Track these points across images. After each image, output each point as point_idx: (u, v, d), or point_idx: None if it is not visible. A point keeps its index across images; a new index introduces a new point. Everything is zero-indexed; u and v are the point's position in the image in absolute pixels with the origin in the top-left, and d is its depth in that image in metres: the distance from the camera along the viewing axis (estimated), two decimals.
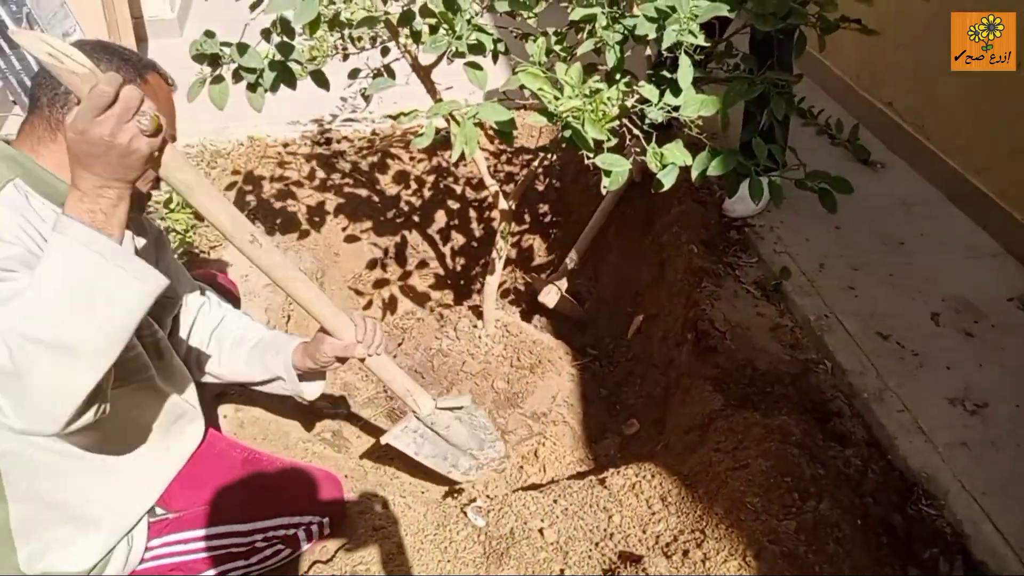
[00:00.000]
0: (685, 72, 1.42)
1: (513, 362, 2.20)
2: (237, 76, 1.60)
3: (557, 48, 1.67)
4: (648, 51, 1.85)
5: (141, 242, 1.34)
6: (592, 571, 1.40)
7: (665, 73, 1.49)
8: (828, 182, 1.51)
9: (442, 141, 2.58)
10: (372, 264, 2.83)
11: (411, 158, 2.92)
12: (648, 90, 1.47)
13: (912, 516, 1.55)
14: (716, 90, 1.58)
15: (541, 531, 1.48)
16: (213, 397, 1.84)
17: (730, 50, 1.81)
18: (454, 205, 2.92)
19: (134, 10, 3.88)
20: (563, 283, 2.59)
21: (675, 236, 2.42)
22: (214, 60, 1.58)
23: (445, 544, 1.46)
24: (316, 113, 3.07)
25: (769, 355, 2.00)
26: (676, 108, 1.45)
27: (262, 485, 1.44)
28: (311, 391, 1.53)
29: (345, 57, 1.99)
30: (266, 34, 1.66)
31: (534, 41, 1.55)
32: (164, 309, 1.40)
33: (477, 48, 1.52)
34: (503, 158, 2.94)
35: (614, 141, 1.49)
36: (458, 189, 2.92)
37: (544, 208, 2.97)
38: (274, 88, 1.60)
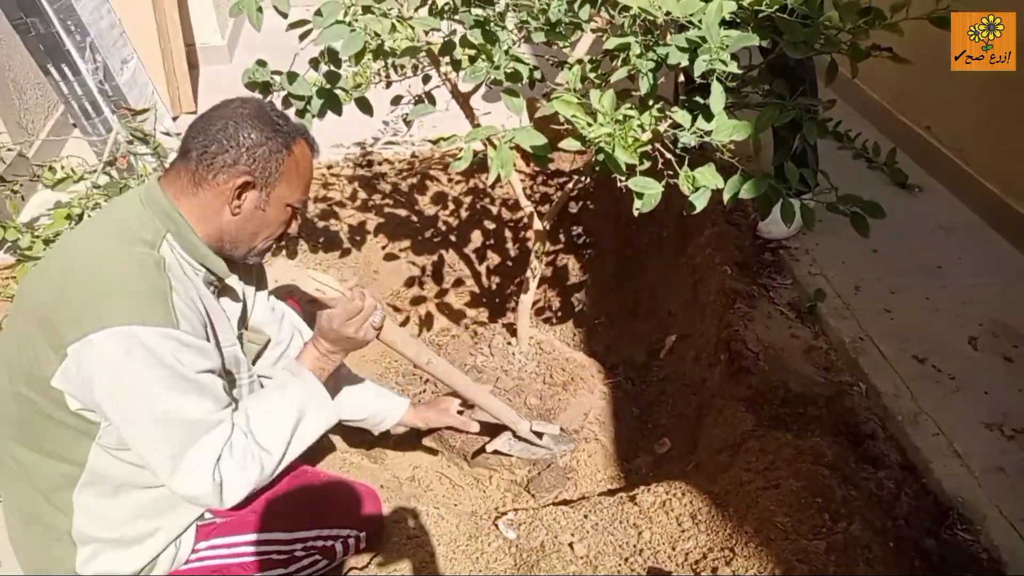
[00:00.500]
0: (717, 98, 1.45)
1: (546, 379, 2.23)
2: (286, 103, 1.68)
3: (592, 75, 1.72)
4: (681, 77, 1.89)
5: (249, 287, 1.50)
6: None
7: (698, 99, 1.53)
8: (860, 206, 1.53)
9: (479, 164, 2.65)
10: (410, 282, 2.90)
11: (449, 180, 2.99)
12: (681, 115, 1.50)
13: (946, 540, 1.54)
14: (748, 115, 1.61)
15: (571, 545, 1.51)
16: None
17: (764, 76, 1.84)
18: (490, 225, 2.98)
19: (187, 38, 4.05)
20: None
21: (709, 257, 2.44)
22: (265, 87, 1.67)
23: (476, 555, 1.50)
24: (359, 136, 3.18)
25: (803, 377, 2.00)
26: (708, 133, 1.49)
27: (305, 497, 1.49)
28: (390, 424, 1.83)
29: (388, 84, 2.07)
30: (314, 63, 1.74)
31: (569, 69, 1.60)
32: (259, 346, 1.53)
33: (514, 76, 1.58)
34: (538, 180, 3.00)
35: (647, 164, 1.53)
36: (494, 210, 2.98)
37: (578, 229, 3.01)
38: (321, 114, 1.68)
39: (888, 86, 3.20)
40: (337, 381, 1.61)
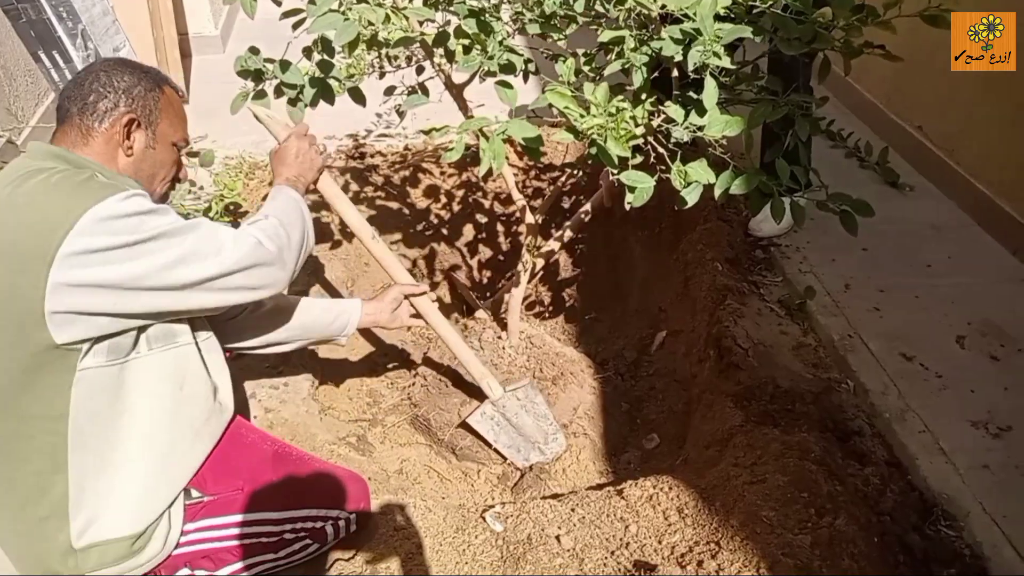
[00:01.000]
0: (711, 93, 1.45)
1: (536, 373, 2.23)
2: (279, 91, 1.68)
3: (586, 68, 1.72)
4: (674, 72, 1.89)
5: None
6: None
7: (691, 94, 1.53)
8: (849, 204, 1.54)
9: (472, 157, 2.65)
10: None
11: (442, 173, 2.99)
12: (674, 110, 1.51)
13: (930, 536, 1.55)
14: (741, 111, 1.62)
15: (558, 538, 1.51)
16: (246, 398, 1.91)
17: (756, 72, 1.85)
18: (482, 219, 2.98)
19: (180, 27, 4.03)
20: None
21: (700, 253, 2.45)
22: (258, 76, 1.66)
23: (463, 547, 1.50)
24: (351, 128, 3.17)
25: (791, 373, 2.01)
26: (701, 128, 1.49)
27: (293, 476, 1.48)
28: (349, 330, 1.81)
29: (381, 75, 2.06)
30: (307, 52, 1.74)
31: (563, 62, 1.60)
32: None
33: (508, 68, 1.58)
34: (531, 174, 3.00)
35: (639, 159, 1.53)
36: (486, 203, 2.98)
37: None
38: (314, 103, 1.68)
39: (881, 85, 3.21)
40: (289, 309, 1.70)
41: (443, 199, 2.97)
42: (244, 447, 1.47)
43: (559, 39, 1.74)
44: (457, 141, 1.44)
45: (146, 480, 1.31)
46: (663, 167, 1.54)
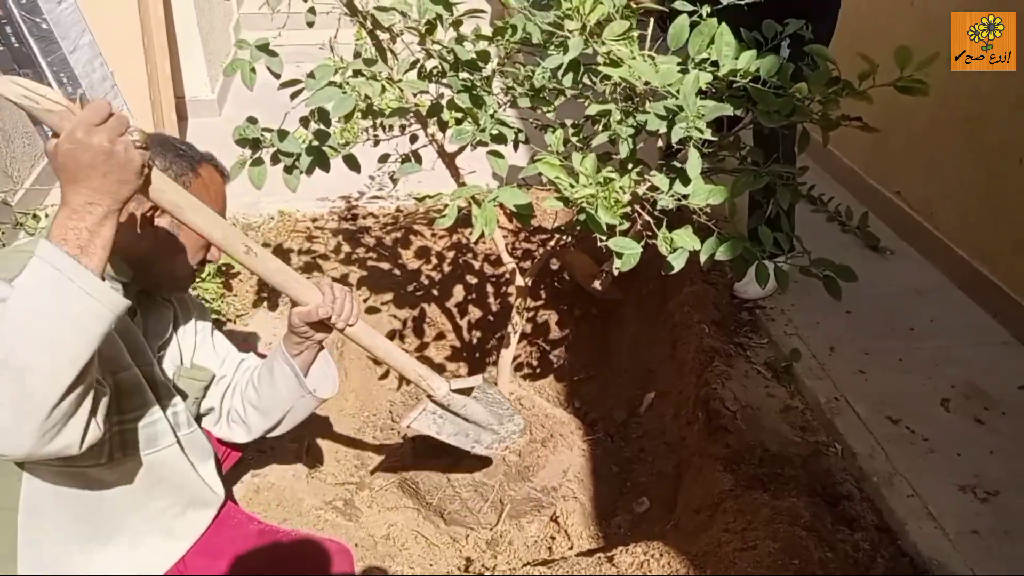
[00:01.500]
0: (694, 164, 1.51)
1: (525, 435, 2.23)
2: (275, 159, 1.72)
3: (574, 139, 1.78)
4: (660, 142, 1.96)
5: (185, 317, 1.45)
6: None
7: (675, 163, 1.58)
8: (832, 270, 1.58)
9: (463, 219, 2.70)
10: (391, 335, 2.90)
11: (433, 234, 3.03)
12: (659, 179, 1.56)
13: None
14: (724, 179, 1.67)
15: None
16: (232, 468, 1.89)
17: (737, 144, 1.92)
18: (472, 280, 3.01)
19: (177, 90, 4.12)
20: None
21: (687, 316, 2.48)
22: (255, 144, 1.71)
23: None
24: (344, 190, 3.22)
25: (779, 436, 2.02)
26: (685, 196, 1.54)
27: (276, 558, 1.46)
28: (324, 389, 1.53)
29: (376, 142, 2.12)
30: (304, 122, 1.79)
31: (552, 132, 1.66)
32: (199, 382, 1.47)
33: (499, 138, 1.63)
34: (521, 236, 3.05)
35: (626, 226, 1.57)
36: (476, 265, 3.02)
37: (559, 286, 3.04)
38: (309, 171, 1.72)
39: (859, 152, 3.32)
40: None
41: (434, 260, 3.00)
42: (228, 528, 1.44)
43: (548, 111, 1.80)
44: (450, 208, 1.48)
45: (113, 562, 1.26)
46: (649, 233, 1.58)
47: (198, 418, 1.50)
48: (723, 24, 1.49)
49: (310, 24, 1.70)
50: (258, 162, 1.67)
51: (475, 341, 2.97)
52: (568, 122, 1.81)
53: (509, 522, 2.04)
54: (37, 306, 0.90)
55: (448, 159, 1.97)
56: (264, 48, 1.61)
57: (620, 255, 1.51)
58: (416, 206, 3.10)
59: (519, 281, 2.16)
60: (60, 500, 1.19)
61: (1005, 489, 1.83)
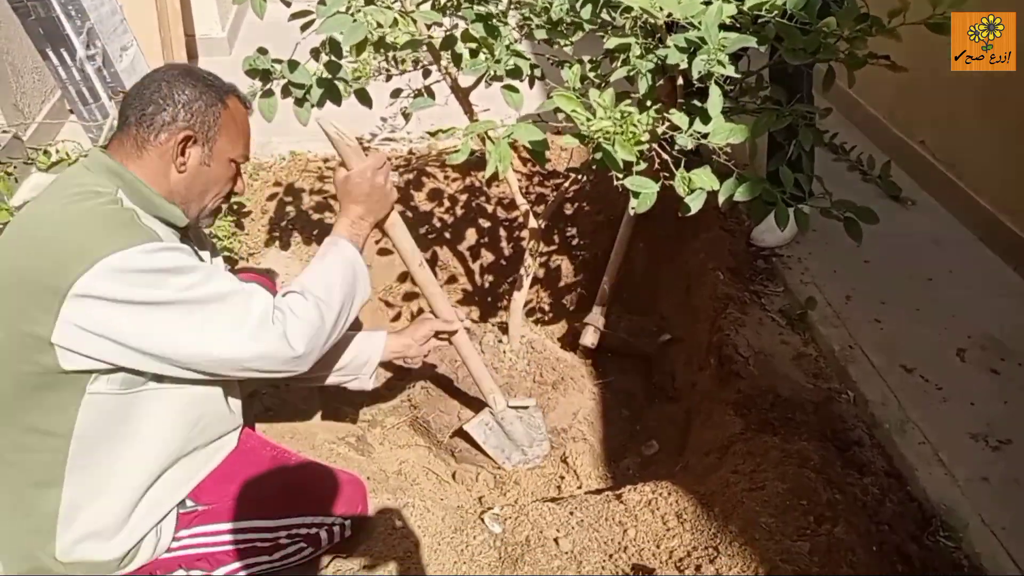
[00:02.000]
0: (715, 101, 1.46)
1: (536, 378, 2.24)
2: (286, 91, 1.69)
3: (591, 75, 1.73)
4: (680, 80, 1.90)
5: (204, 253, 1.45)
6: None
7: (696, 102, 1.54)
8: (853, 211, 1.54)
9: (476, 161, 2.66)
10: (403, 277, 2.90)
11: (445, 177, 3.00)
12: (679, 117, 1.52)
13: (929, 547, 1.55)
14: (745, 120, 1.62)
15: (556, 540, 1.51)
16: (247, 396, 1.91)
17: (761, 83, 1.86)
18: (485, 224, 2.99)
19: (187, 28, 4.06)
20: (599, 319, 2.52)
21: (702, 262, 2.46)
22: (265, 75, 1.67)
23: (461, 547, 1.50)
24: (357, 132, 3.17)
25: (791, 382, 2.01)
26: (705, 135, 1.50)
27: (289, 483, 1.49)
28: (373, 382, 1.72)
29: (388, 78, 2.07)
30: (315, 53, 1.75)
31: (569, 68, 1.61)
32: None
33: (514, 72, 1.59)
34: (535, 180, 3.01)
35: (644, 165, 1.54)
36: (490, 208, 2.99)
37: (572, 230, 3.02)
38: (320, 104, 1.69)
39: (884, 100, 3.23)
40: None
41: (447, 203, 2.98)
42: (241, 453, 1.47)
43: (565, 45, 1.75)
44: (463, 143, 1.45)
45: (143, 505, 1.30)
46: (667, 174, 1.55)
47: None
48: None
49: None
50: (268, 94, 1.65)
51: (487, 285, 2.96)
52: (586, 58, 1.76)
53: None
54: (346, 274, 1.36)
55: (462, 95, 1.93)
56: None
57: (637, 195, 1.48)
58: (429, 148, 3.06)
59: (532, 224, 2.14)
60: (111, 431, 1.22)
61: (1017, 438, 1.82)
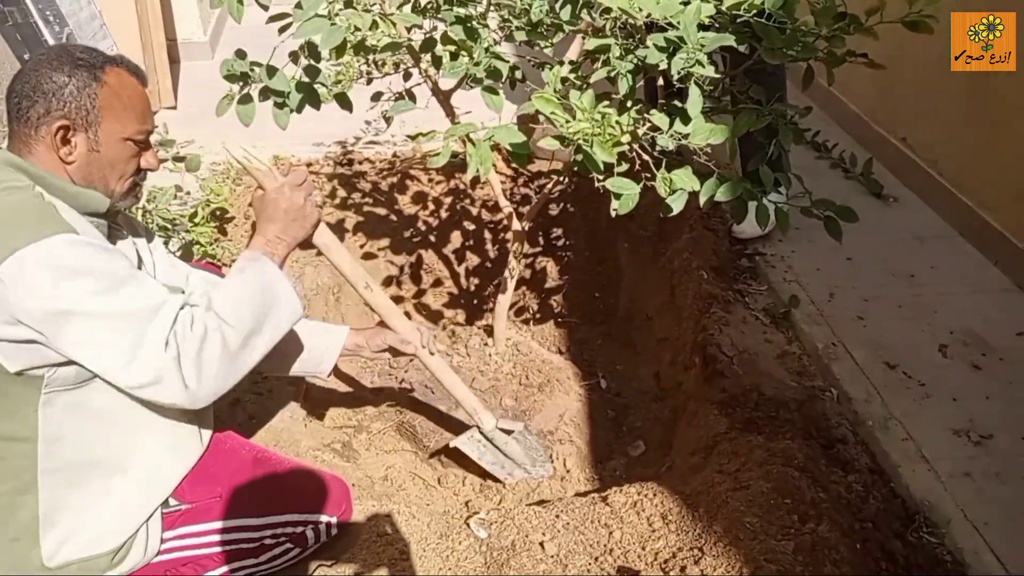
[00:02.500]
0: (695, 101, 1.47)
1: (522, 380, 2.23)
2: (264, 95, 1.67)
3: (572, 76, 1.73)
4: (659, 81, 1.91)
5: (140, 240, 1.42)
6: None
7: (676, 103, 1.54)
8: (833, 210, 1.55)
9: (460, 164, 2.65)
10: (388, 281, 2.89)
11: (429, 180, 2.99)
12: (659, 118, 1.52)
13: (912, 543, 1.55)
14: (725, 120, 1.63)
15: (542, 544, 1.51)
16: (228, 404, 1.89)
17: (742, 82, 1.86)
18: (470, 226, 2.98)
19: (168, 32, 4.02)
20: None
21: (686, 262, 2.46)
22: (244, 79, 1.66)
23: (447, 553, 1.49)
24: (340, 136, 3.17)
25: (775, 381, 2.01)
26: (686, 136, 1.50)
27: (274, 481, 1.47)
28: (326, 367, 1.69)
29: (369, 81, 2.06)
30: (294, 57, 1.74)
31: (550, 69, 1.61)
32: None
33: (494, 74, 1.58)
34: (519, 181, 3.01)
35: (625, 166, 1.54)
36: (474, 211, 2.99)
37: (557, 231, 3.02)
38: (299, 108, 1.68)
39: (865, 97, 3.25)
40: None
41: (431, 206, 2.97)
42: (223, 453, 1.46)
43: (546, 47, 1.75)
44: (444, 146, 1.44)
45: (123, 498, 1.29)
46: (648, 175, 1.55)
47: None
48: None
49: None
50: (246, 99, 1.63)
51: (473, 288, 2.96)
52: (566, 59, 1.75)
53: None
54: (263, 297, 1.24)
55: (443, 97, 1.93)
56: None
57: (618, 196, 1.48)
58: (413, 151, 3.05)
59: (516, 226, 2.14)
60: (76, 426, 1.21)
61: (999, 433, 1.83)
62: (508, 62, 1.60)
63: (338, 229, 2.82)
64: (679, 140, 1.50)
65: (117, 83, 1.23)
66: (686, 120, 1.50)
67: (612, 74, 1.54)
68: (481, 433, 1.91)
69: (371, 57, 1.90)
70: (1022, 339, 2.16)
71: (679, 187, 1.48)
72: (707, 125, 1.49)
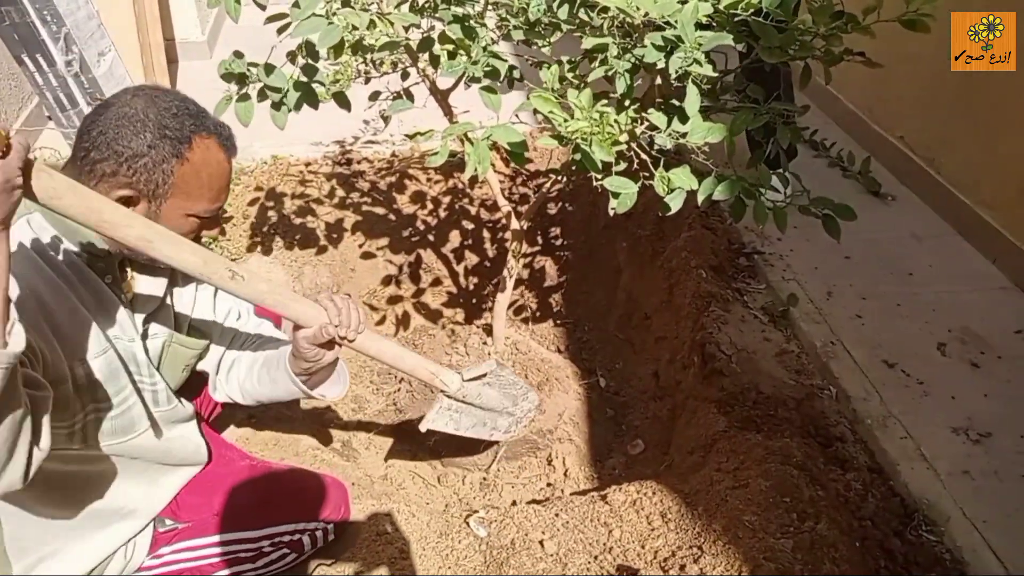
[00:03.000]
0: (692, 100, 1.47)
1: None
2: (262, 95, 1.67)
3: (570, 75, 1.73)
4: (658, 80, 1.91)
5: (182, 289, 1.34)
6: None
7: (674, 101, 1.54)
8: (831, 208, 1.55)
9: (459, 163, 2.65)
10: (387, 281, 2.89)
11: (428, 179, 2.99)
12: (657, 117, 1.52)
13: (911, 541, 1.56)
14: (723, 119, 1.63)
15: (542, 543, 1.51)
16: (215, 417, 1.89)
17: (739, 81, 1.86)
18: (468, 225, 2.98)
19: (166, 32, 4.01)
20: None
21: (684, 261, 2.46)
22: (241, 79, 1.65)
23: (447, 552, 1.49)
24: (339, 135, 3.16)
25: (774, 379, 2.02)
26: (684, 135, 1.50)
27: (269, 491, 1.48)
28: (333, 392, 1.45)
29: (367, 80, 2.06)
30: (292, 56, 1.73)
31: (548, 68, 1.61)
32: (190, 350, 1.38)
33: (492, 73, 1.58)
34: (517, 180, 3.01)
35: (623, 165, 1.54)
36: (473, 210, 2.98)
37: (556, 231, 3.02)
38: (297, 107, 1.67)
39: (863, 96, 3.25)
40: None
41: (429, 205, 2.97)
42: (218, 465, 1.46)
43: (543, 46, 1.75)
44: (442, 146, 1.44)
45: (88, 519, 1.25)
46: (646, 174, 1.55)
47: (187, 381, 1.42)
48: None
49: None
50: (244, 98, 1.63)
51: (471, 287, 2.96)
52: (564, 59, 1.75)
53: (504, 464, 2.06)
54: None
55: (441, 96, 1.92)
56: None
57: (616, 195, 1.48)
58: (411, 150, 3.05)
59: (515, 225, 2.13)
60: (38, 493, 1.13)
61: (997, 431, 1.84)
62: (506, 61, 1.60)
63: (337, 229, 2.82)
64: (677, 139, 1.50)
65: (201, 160, 1.12)
66: (684, 119, 1.50)
67: (610, 73, 1.54)
68: (449, 398, 1.63)
69: (369, 56, 1.90)
70: (1020, 337, 2.17)
71: (677, 186, 1.49)
72: (705, 124, 1.49)
